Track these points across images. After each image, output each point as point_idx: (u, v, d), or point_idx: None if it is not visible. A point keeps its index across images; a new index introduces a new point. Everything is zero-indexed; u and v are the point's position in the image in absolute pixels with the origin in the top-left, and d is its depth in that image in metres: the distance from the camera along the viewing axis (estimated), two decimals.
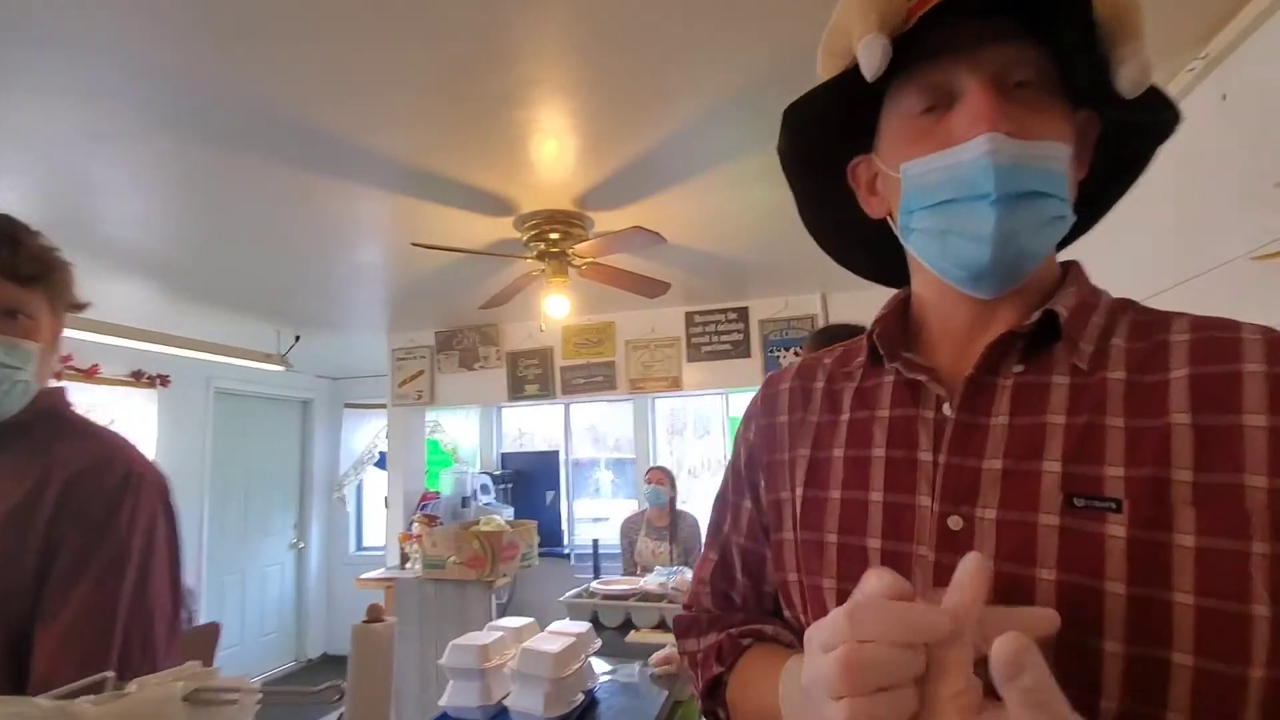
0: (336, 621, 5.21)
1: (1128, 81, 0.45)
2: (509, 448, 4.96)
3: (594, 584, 2.56)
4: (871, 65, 0.47)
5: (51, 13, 1.28)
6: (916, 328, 0.58)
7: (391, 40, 1.42)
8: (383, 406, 4.50)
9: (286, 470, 5.14)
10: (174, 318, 3.51)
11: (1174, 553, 0.41)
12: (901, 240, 0.55)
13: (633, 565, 3.28)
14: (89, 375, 3.57)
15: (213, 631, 1.72)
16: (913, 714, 0.35)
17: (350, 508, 5.43)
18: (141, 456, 0.89)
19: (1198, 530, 0.40)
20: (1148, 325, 0.49)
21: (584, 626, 1.75)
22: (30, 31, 1.33)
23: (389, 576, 3.58)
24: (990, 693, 0.35)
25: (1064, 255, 0.56)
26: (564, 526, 4.54)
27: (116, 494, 0.82)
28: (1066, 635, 0.40)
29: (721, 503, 0.68)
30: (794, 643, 0.58)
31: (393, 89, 1.60)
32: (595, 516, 4.65)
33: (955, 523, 0.47)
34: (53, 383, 0.90)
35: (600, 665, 1.86)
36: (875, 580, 0.38)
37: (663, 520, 3.29)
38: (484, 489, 4.11)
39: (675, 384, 3.77)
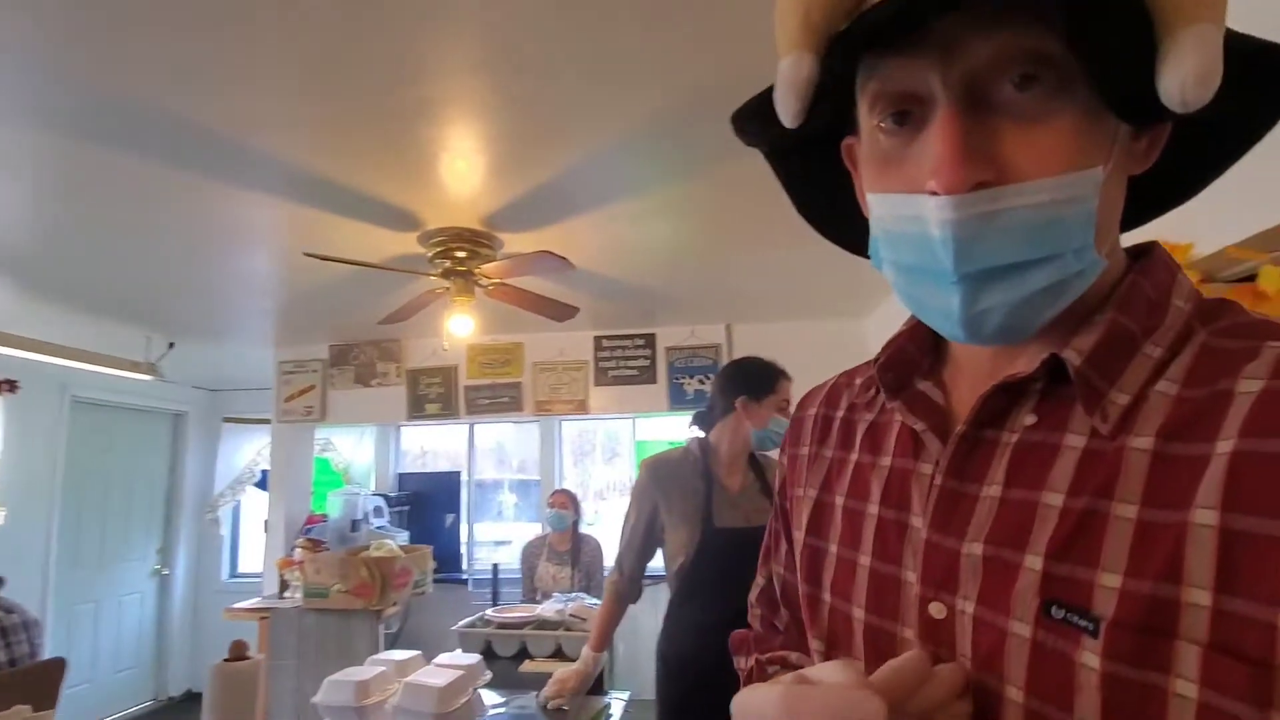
0: (203, 656, 4.75)
1: (1173, 89, 0.31)
2: (410, 467, 4.76)
3: (489, 612, 2.48)
4: (786, 110, 0.37)
5: None
6: (945, 349, 0.47)
7: (287, 42, 1.36)
8: (267, 422, 4.21)
9: (153, 489, 4.68)
10: (25, 318, 3.14)
11: (1170, 703, 0.30)
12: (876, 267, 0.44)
13: (533, 591, 3.22)
14: None
15: (57, 667, 1.53)
16: None
17: (225, 531, 5.01)
18: None
19: (1203, 679, 0.30)
20: (1223, 358, 0.35)
21: (473, 658, 1.70)
22: None
23: (265, 606, 3.32)
24: None
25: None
26: (464, 551, 4.39)
27: None
28: None
29: (771, 525, 0.62)
30: None
31: (288, 92, 1.53)
32: (497, 540, 4.53)
33: (938, 610, 0.40)
34: None
35: (491, 698, 1.81)
36: (834, 673, 0.34)
37: (565, 545, 3.25)
38: (377, 511, 3.92)
39: (582, 407, 3.76)
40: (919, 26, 0.34)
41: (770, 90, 0.40)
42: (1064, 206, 0.34)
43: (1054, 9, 0.32)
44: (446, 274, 2.46)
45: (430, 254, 2.43)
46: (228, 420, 5.08)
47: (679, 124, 1.67)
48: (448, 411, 3.86)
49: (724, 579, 1.55)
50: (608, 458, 4.66)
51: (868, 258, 0.47)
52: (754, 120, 0.44)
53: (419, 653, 1.79)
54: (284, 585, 3.50)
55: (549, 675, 1.86)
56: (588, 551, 3.25)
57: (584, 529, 3.37)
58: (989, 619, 0.37)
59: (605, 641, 1.82)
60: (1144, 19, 0.31)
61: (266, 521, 4.01)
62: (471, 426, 4.57)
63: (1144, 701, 0.31)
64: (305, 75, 1.47)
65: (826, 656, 0.47)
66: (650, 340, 3.78)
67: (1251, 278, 1.15)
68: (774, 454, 1.76)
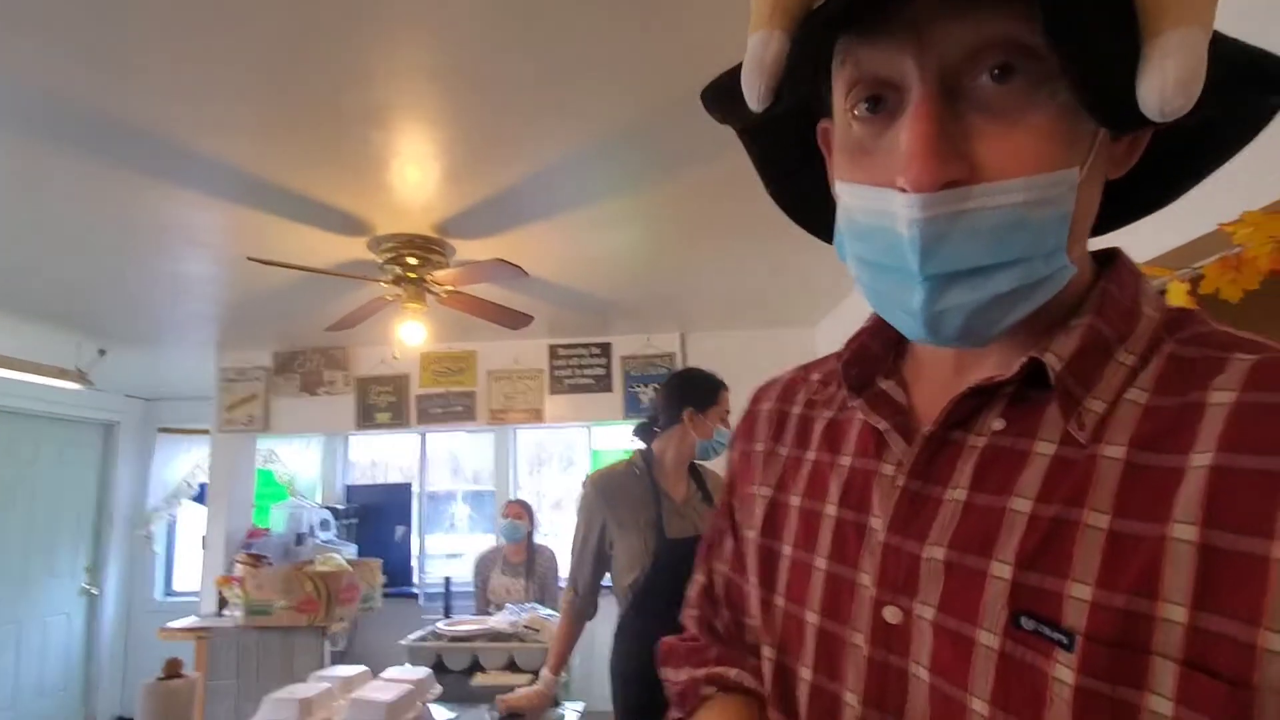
0: (135, 679, 4.49)
1: (1152, 96, 0.29)
2: (358, 479, 4.63)
3: (439, 625, 2.44)
4: (752, 92, 0.35)
5: None
6: (907, 348, 0.46)
7: (232, 42, 1.33)
8: (205, 432, 4.04)
9: (81, 503, 4.43)
10: None
11: (1132, 716, 0.30)
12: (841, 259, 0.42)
13: (486, 604, 3.17)
14: None
15: None
16: None
17: (159, 547, 4.77)
18: None
19: (1179, 697, 0.29)
20: (1191, 369, 0.34)
21: (422, 672, 1.67)
22: None
23: (202, 625, 3.17)
24: None
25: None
26: (415, 564, 4.29)
27: None
28: None
29: (713, 523, 0.60)
30: (758, 688, 0.50)
31: (232, 92, 1.49)
32: (449, 552, 4.45)
33: (892, 615, 0.39)
34: None
35: (441, 712, 1.77)
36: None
37: (519, 556, 3.22)
38: (323, 525, 3.80)
39: (537, 416, 3.74)
40: (895, 2, 0.32)
41: (733, 70, 0.39)
42: (1036, 208, 0.33)
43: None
44: (397, 280, 2.42)
45: (380, 260, 2.38)
46: (163, 430, 4.85)
47: (636, 134, 1.69)
48: (399, 421, 3.78)
49: (679, 590, 1.56)
50: (564, 467, 4.64)
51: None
52: (723, 99, 0.42)
53: (365, 668, 1.74)
54: (223, 603, 3.36)
55: (502, 688, 1.84)
56: (542, 562, 3.22)
57: (539, 539, 3.34)
58: (951, 626, 0.36)
59: (563, 663, 1.80)
60: (1129, 17, 0.30)
61: (204, 537, 3.84)
62: (424, 436, 4.48)
63: (1117, 719, 0.30)
64: (250, 76, 1.43)
65: (777, 662, 0.46)
66: (606, 349, 3.78)
67: (1162, 293, 1.23)
68: (713, 463, 1.78)
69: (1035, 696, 0.32)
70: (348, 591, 3.02)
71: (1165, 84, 0.29)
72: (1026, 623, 0.33)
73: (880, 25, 0.33)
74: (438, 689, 1.68)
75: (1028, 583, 0.34)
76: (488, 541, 3.87)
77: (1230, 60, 0.33)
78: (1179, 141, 0.38)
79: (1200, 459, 0.31)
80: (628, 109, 1.59)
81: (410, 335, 2.61)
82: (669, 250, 2.55)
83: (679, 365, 3.68)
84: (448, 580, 3.60)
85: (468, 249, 2.44)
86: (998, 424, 0.38)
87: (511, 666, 2.17)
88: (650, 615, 1.61)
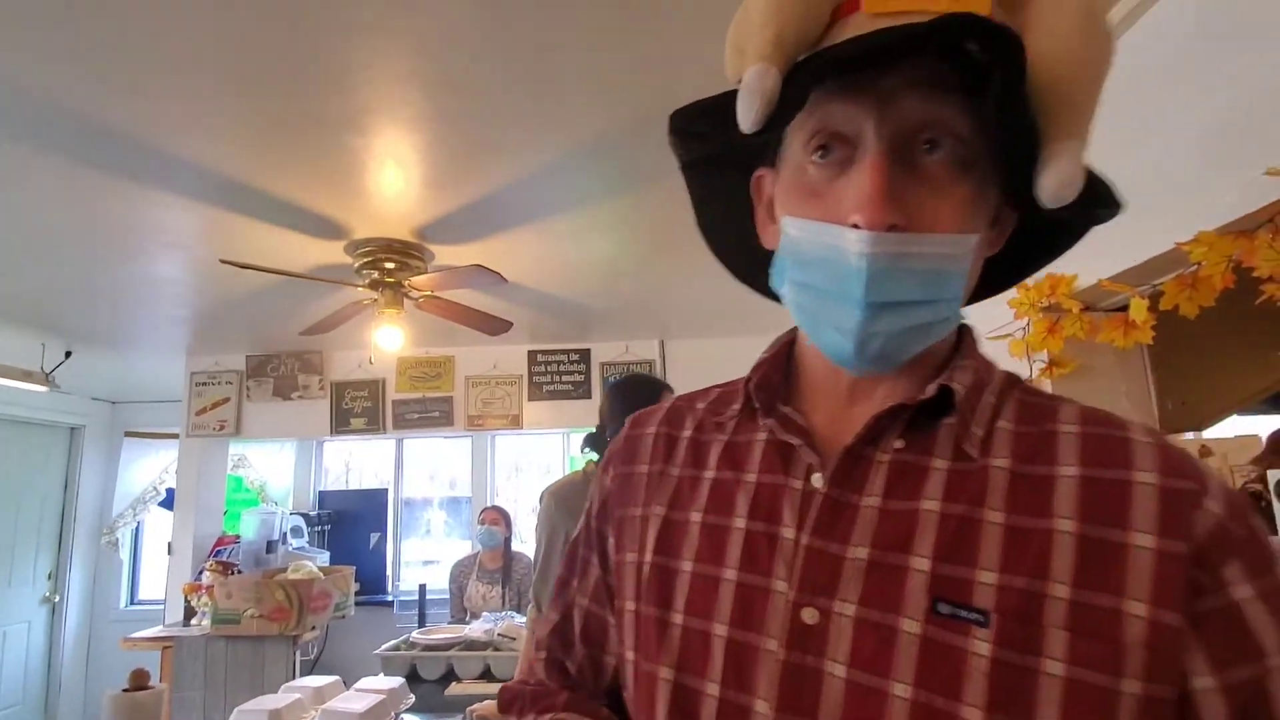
0: (98, 690, 4.37)
1: (1047, 188, 0.38)
2: (332, 484, 4.57)
3: (414, 634, 2.41)
4: (749, 110, 0.40)
5: None
6: (797, 377, 0.51)
7: (207, 41, 1.31)
8: (174, 436, 3.96)
9: (44, 509, 4.31)
10: None
11: (1040, 681, 0.36)
12: (772, 287, 0.49)
13: (462, 612, 3.14)
14: None
15: None
16: None
17: (125, 554, 4.65)
18: None
19: (1069, 658, 0.36)
20: (1035, 409, 0.44)
21: (395, 681, 1.65)
22: None
23: (168, 635, 3.10)
24: None
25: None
26: (389, 571, 4.24)
27: None
28: None
29: (571, 554, 0.59)
30: None
31: (207, 93, 1.48)
32: (425, 559, 4.40)
33: (810, 616, 0.41)
34: None
35: None
36: None
37: (496, 563, 3.19)
38: (295, 531, 3.74)
39: (515, 422, 3.72)
40: (876, 68, 0.38)
41: (718, 96, 0.44)
42: (949, 261, 0.41)
43: (982, 100, 0.38)
44: (374, 285, 2.40)
45: (357, 264, 2.36)
46: (130, 435, 4.74)
47: (617, 142, 1.70)
48: (374, 427, 3.73)
49: None
50: (542, 473, 4.62)
51: (748, 283, 0.56)
52: (703, 120, 0.47)
53: (337, 678, 1.72)
54: (190, 612, 3.28)
55: (476, 697, 1.82)
56: (520, 570, 3.20)
57: (517, 546, 3.32)
58: (873, 619, 0.40)
59: None
60: (1035, 129, 0.38)
61: (171, 543, 3.76)
62: (400, 442, 4.43)
63: (1023, 682, 0.36)
64: (226, 77, 1.42)
65: (676, 683, 0.45)
66: (585, 355, 3.78)
67: (1125, 308, 1.27)
68: None
69: (955, 672, 0.37)
70: (320, 599, 2.98)
71: (1060, 180, 0.38)
72: (944, 608, 0.38)
73: (851, 87, 0.39)
74: (411, 699, 1.67)
75: (943, 573, 0.39)
76: (464, 548, 3.84)
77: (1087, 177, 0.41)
78: (1028, 236, 0.47)
79: (1067, 470, 0.40)
80: (609, 117, 1.60)
81: (387, 340, 2.59)
82: (649, 258, 2.57)
83: (659, 372, 3.70)
84: (423, 588, 3.56)
85: (447, 254, 2.43)
86: (898, 443, 0.44)
87: (487, 675, 2.15)
88: None
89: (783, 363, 0.51)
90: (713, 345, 3.72)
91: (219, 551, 3.59)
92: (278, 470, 4.51)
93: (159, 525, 4.60)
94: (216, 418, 3.73)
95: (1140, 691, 0.35)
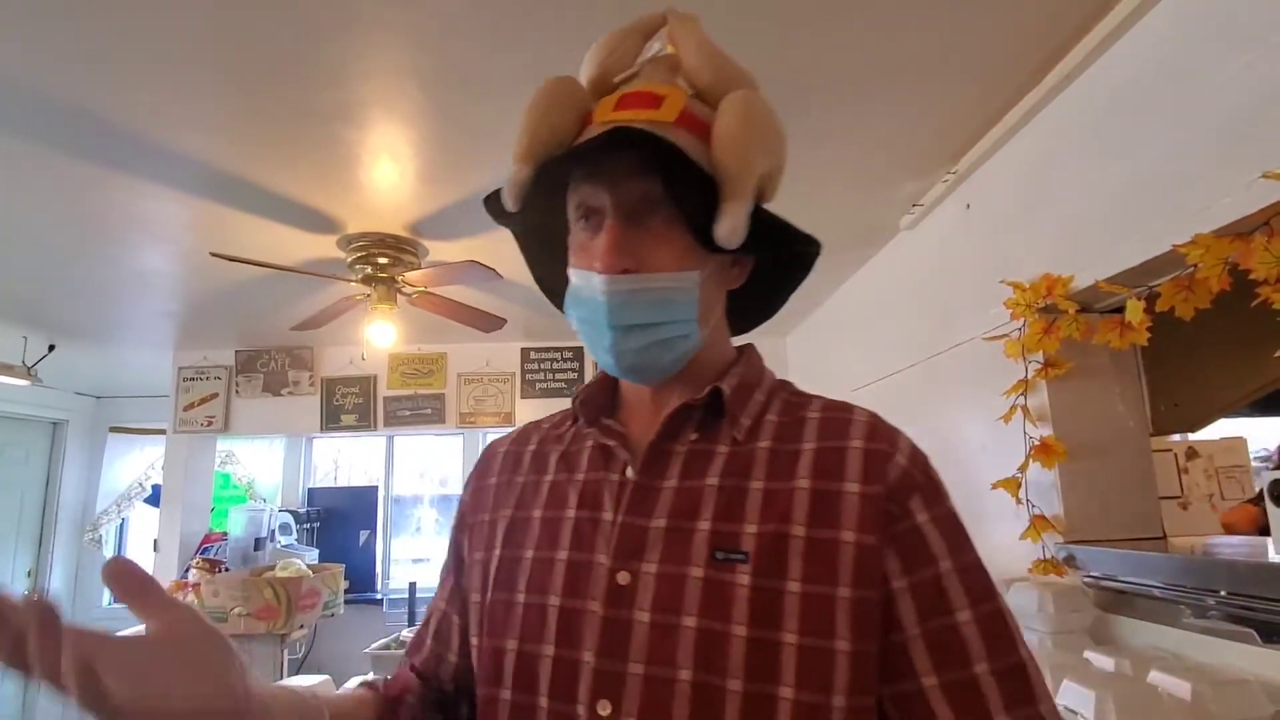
0: None
1: (720, 234, 0.52)
2: (320, 481, 4.52)
3: (404, 632, 2.39)
4: (510, 196, 0.54)
5: None
6: (620, 397, 0.64)
7: (198, 30, 1.29)
8: (160, 432, 3.90)
9: (25, 505, 4.24)
10: None
11: (785, 598, 0.49)
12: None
13: None
14: None
15: None
16: None
17: (109, 552, 4.59)
18: None
19: (803, 578, 0.49)
20: (794, 404, 0.60)
21: None
22: None
23: None
24: None
25: (775, 332, 0.69)
26: (379, 569, 4.20)
27: None
28: (701, 676, 0.48)
29: (443, 566, 0.70)
30: (396, 697, 0.61)
31: (197, 83, 1.45)
32: (415, 557, 4.37)
33: (623, 578, 0.52)
34: None
35: None
36: None
37: None
38: (284, 529, 3.70)
39: (508, 419, 3.70)
40: (593, 164, 0.54)
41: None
42: (674, 292, 0.54)
43: (665, 180, 0.53)
44: (367, 280, 2.38)
45: (350, 259, 2.34)
46: (115, 430, 4.68)
47: None
48: (365, 423, 3.70)
49: None
50: None
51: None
52: (496, 206, 0.60)
53: (327, 677, 1.70)
54: None
55: None
56: None
57: None
58: (670, 572, 0.52)
59: None
60: (714, 193, 0.53)
61: (156, 540, 3.71)
62: (390, 439, 4.40)
63: (772, 600, 0.49)
64: (218, 67, 1.40)
65: (520, 651, 0.55)
66: (579, 354, 3.77)
67: (1121, 309, 1.28)
68: None
69: (726, 600, 0.50)
70: (308, 598, 2.94)
71: (727, 228, 0.52)
72: (720, 555, 0.51)
73: (594, 174, 0.54)
74: None
75: (720, 529, 0.52)
76: None
77: (777, 225, 0.57)
78: (772, 275, 0.64)
79: (809, 445, 0.55)
80: None
81: (380, 337, 2.56)
82: None
83: None
84: (413, 586, 3.54)
85: (440, 250, 2.41)
86: (693, 436, 0.58)
87: None
88: None
89: (609, 384, 0.65)
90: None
91: (206, 549, 3.55)
92: (266, 467, 4.47)
93: (144, 522, 4.54)
94: (204, 413, 3.68)
95: (851, 595, 0.49)
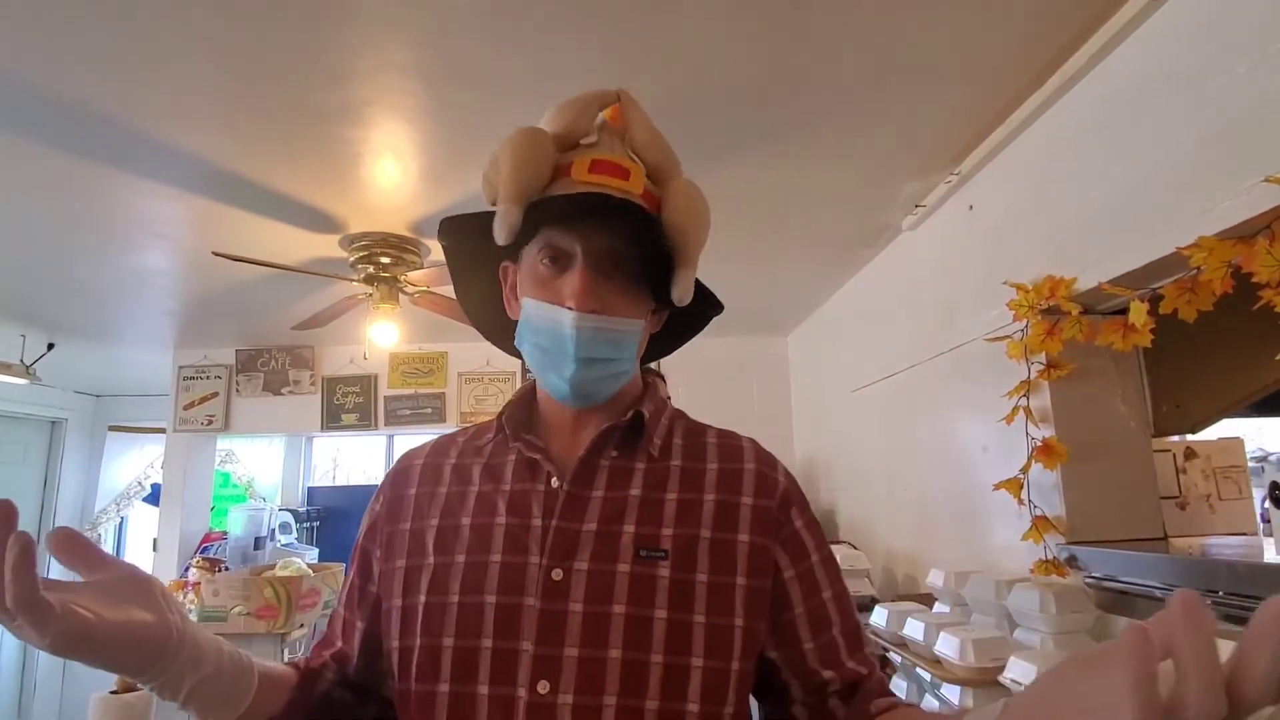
0: (76, 693, 4.31)
1: (676, 294, 0.65)
2: (319, 480, 4.52)
3: None
4: (502, 233, 0.62)
5: None
6: (537, 415, 0.72)
7: (201, 26, 1.29)
8: (160, 431, 3.90)
9: (24, 504, 4.08)
10: None
11: (696, 586, 0.60)
12: (517, 346, 0.69)
13: None
14: None
15: None
16: None
17: (108, 550, 4.58)
18: None
19: (710, 570, 0.61)
20: (694, 430, 0.72)
21: None
22: None
23: None
24: None
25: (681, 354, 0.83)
26: None
27: None
28: (629, 654, 0.57)
29: (348, 574, 0.75)
30: (298, 677, 0.66)
31: (199, 81, 1.45)
32: None
33: (557, 574, 0.60)
34: None
35: None
36: None
37: None
38: (284, 528, 3.70)
39: None
40: (574, 217, 0.63)
41: (477, 214, 0.67)
42: (625, 335, 0.64)
43: (633, 243, 0.63)
44: (369, 280, 2.38)
45: (352, 258, 2.34)
46: (114, 429, 4.67)
47: None
48: (366, 423, 3.70)
49: None
50: None
51: (494, 342, 0.79)
52: (464, 230, 0.69)
53: None
54: None
55: None
56: None
57: None
58: (600, 568, 0.60)
59: None
60: (670, 259, 0.65)
61: (156, 540, 3.70)
62: (390, 438, 4.40)
63: (686, 589, 0.60)
64: (220, 64, 1.39)
65: (457, 646, 0.60)
66: None
67: (1124, 310, 1.28)
68: None
69: (650, 590, 0.59)
70: (308, 597, 2.94)
71: (679, 291, 0.65)
72: (643, 553, 0.61)
73: (564, 225, 0.63)
74: None
75: (643, 532, 0.62)
76: None
77: (700, 290, 0.70)
78: (676, 323, 0.75)
79: (712, 465, 0.67)
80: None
81: (382, 336, 2.56)
82: None
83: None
84: None
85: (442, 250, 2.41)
86: (614, 453, 0.67)
87: None
88: None
89: (528, 403, 0.73)
90: (708, 345, 3.71)
91: (206, 548, 3.54)
92: (266, 466, 4.46)
93: (143, 521, 4.54)
94: (204, 412, 3.68)
95: (746, 583, 0.62)
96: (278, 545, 3.51)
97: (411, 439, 4.43)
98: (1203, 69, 1.12)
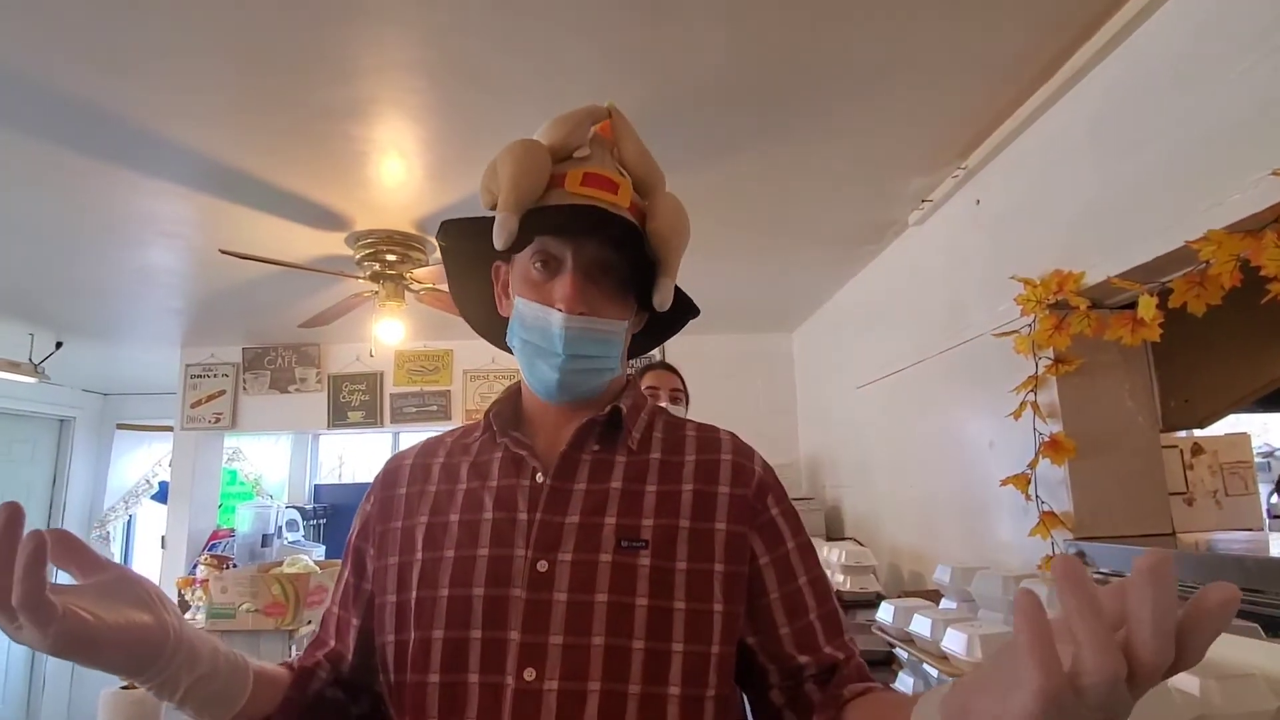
0: (85, 690, 4.33)
1: (657, 300, 0.70)
2: (325, 477, 4.54)
3: None
4: (500, 239, 0.65)
5: None
6: (524, 414, 0.75)
7: (208, 24, 1.29)
8: (168, 429, 3.92)
9: (31, 502, 4.26)
10: None
11: (675, 574, 0.63)
12: (508, 342, 0.73)
13: None
14: None
15: None
16: None
17: (116, 548, 4.61)
18: None
19: (689, 559, 0.63)
20: (673, 424, 0.75)
21: None
22: None
23: None
24: None
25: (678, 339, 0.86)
26: None
27: None
28: (612, 640, 0.59)
29: (339, 572, 0.76)
30: (292, 677, 0.66)
31: (206, 79, 1.45)
32: None
33: (542, 566, 0.62)
34: None
35: None
36: None
37: None
38: (291, 525, 3.71)
39: None
40: (568, 227, 0.67)
41: (476, 219, 0.70)
42: (611, 335, 0.68)
43: (620, 253, 0.68)
44: (375, 277, 2.38)
45: (358, 256, 2.34)
46: (122, 427, 4.70)
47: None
48: (371, 420, 3.71)
49: None
50: None
51: (486, 337, 0.83)
52: (464, 233, 0.72)
53: None
54: (184, 607, 3.25)
55: None
56: None
57: None
58: (583, 559, 0.62)
59: None
60: (653, 267, 0.69)
61: (164, 537, 3.72)
62: (396, 436, 4.41)
63: (666, 576, 0.62)
64: (224, 61, 1.40)
65: (446, 638, 0.62)
66: None
67: (1132, 305, 1.28)
68: None
69: (631, 579, 0.61)
70: (316, 594, 2.95)
71: (660, 298, 0.70)
72: (624, 544, 0.63)
73: (557, 233, 0.66)
74: None
75: (624, 523, 0.64)
76: None
77: (678, 296, 0.72)
78: (656, 325, 0.79)
79: (690, 458, 0.70)
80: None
81: (388, 333, 2.57)
82: None
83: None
84: None
85: None
86: (595, 447, 0.69)
87: None
88: None
89: (515, 401, 0.76)
90: (713, 342, 3.71)
91: (214, 545, 3.56)
92: (273, 463, 4.48)
93: (151, 519, 4.56)
94: (212, 410, 3.70)
95: (724, 570, 0.64)
96: (285, 542, 3.53)
97: (417, 436, 4.44)
98: (1210, 62, 1.11)
